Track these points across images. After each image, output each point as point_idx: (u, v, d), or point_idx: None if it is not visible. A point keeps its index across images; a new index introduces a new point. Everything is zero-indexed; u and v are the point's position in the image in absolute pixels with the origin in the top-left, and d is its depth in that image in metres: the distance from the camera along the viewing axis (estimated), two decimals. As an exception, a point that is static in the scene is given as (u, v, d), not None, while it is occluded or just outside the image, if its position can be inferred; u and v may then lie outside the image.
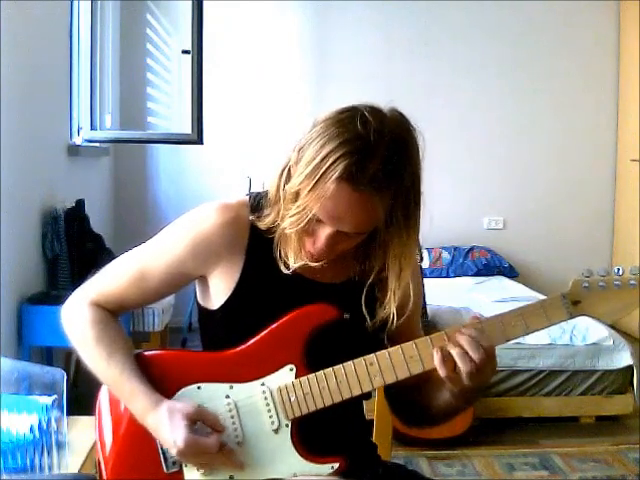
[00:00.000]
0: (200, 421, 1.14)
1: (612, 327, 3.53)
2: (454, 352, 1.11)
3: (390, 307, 1.21)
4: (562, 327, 3.31)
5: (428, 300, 3.16)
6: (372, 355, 1.16)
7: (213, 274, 1.24)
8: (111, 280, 1.27)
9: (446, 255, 4.78)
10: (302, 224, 1.12)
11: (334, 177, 1.07)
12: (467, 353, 1.10)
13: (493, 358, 1.13)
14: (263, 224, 1.21)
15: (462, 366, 1.10)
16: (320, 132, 1.11)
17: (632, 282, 1.13)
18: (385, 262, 1.21)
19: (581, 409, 3.29)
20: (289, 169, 1.16)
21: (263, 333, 1.19)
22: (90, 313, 1.24)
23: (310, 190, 1.09)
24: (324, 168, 1.07)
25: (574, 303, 1.14)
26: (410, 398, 1.32)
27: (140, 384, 1.18)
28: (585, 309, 1.15)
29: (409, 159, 1.14)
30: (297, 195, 1.12)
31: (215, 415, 1.16)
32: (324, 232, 1.13)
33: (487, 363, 1.11)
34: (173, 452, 1.13)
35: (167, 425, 1.13)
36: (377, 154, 1.08)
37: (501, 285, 4.44)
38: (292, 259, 1.19)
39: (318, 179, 1.08)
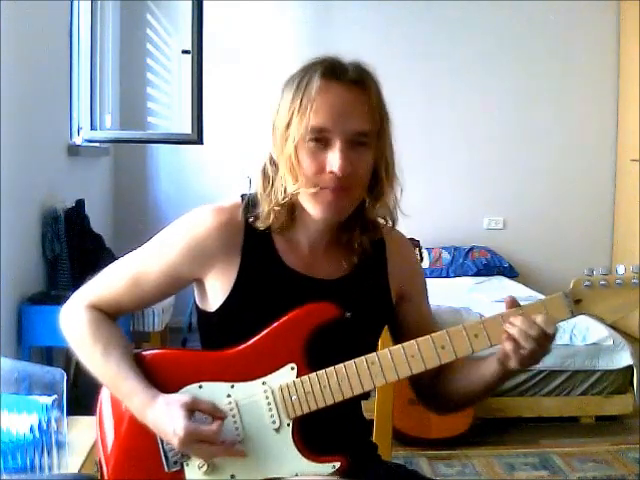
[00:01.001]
0: (197, 410, 1.14)
1: (612, 327, 3.53)
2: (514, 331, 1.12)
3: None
4: (562, 327, 3.26)
5: (428, 300, 3.16)
6: (374, 354, 1.16)
7: (209, 276, 1.24)
8: (107, 284, 1.27)
9: (446, 255, 4.78)
10: (302, 140, 1.15)
11: (316, 77, 1.16)
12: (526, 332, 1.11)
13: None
14: (261, 222, 1.22)
15: (524, 343, 1.11)
16: (285, 83, 1.21)
17: (634, 281, 1.12)
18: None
19: (581, 409, 3.29)
20: (270, 155, 1.23)
21: (264, 332, 1.19)
22: (87, 315, 1.25)
23: (299, 105, 1.15)
24: (305, 82, 1.16)
25: (576, 302, 1.14)
26: (436, 385, 1.32)
27: (138, 381, 1.18)
28: (586, 308, 1.14)
29: (373, 75, 1.22)
30: (287, 129, 1.16)
31: (212, 402, 1.16)
32: (334, 150, 1.15)
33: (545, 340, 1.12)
34: (175, 442, 1.12)
35: (165, 416, 1.13)
36: (345, 62, 1.20)
37: (501, 285, 4.44)
38: (316, 208, 1.19)
39: (303, 92, 1.15)
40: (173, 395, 1.16)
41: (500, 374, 1.20)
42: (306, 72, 1.18)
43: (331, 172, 1.15)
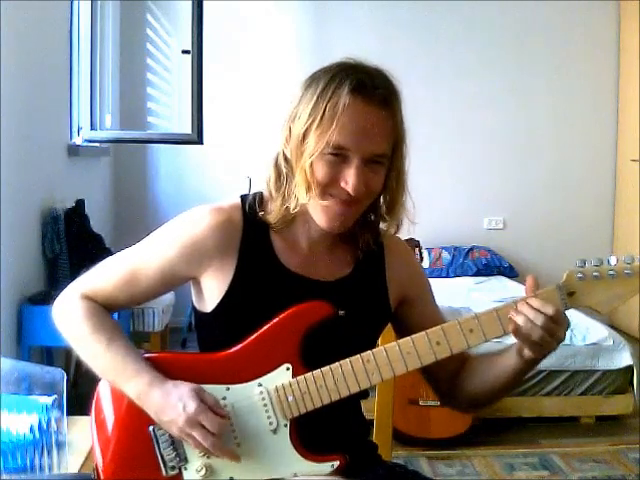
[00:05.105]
0: (202, 399, 1.14)
1: (612, 327, 3.53)
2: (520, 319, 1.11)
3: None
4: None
5: (428, 300, 3.16)
6: (369, 352, 1.15)
7: (205, 276, 1.24)
8: (103, 278, 1.27)
9: (446, 255, 4.78)
10: (320, 153, 1.14)
11: (344, 92, 1.13)
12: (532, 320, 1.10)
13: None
14: (272, 216, 1.22)
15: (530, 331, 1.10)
16: (309, 83, 1.18)
17: (627, 271, 1.12)
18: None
19: (581, 409, 3.29)
20: (283, 152, 1.21)
21: (258, 333, 1.18)
22: (83, 306, 1.24)
23: (321, 117, 1.13)
24: (330, 92, 1.14)
25: (569, 294, 1.13)
26: (457, 387, 1.32)
27: (146, 363, 1.18)
28: (580, 300, 1.14)
29: (398, 92, 1.20)
30: (304, 138, 1.15)
31: (216, 398, 1.16)
32: (351, 167, 1.15)
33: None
34: (180, 420, 1.11)
35: (174, 394, 1.13)
36: (371, 73, 1.17)
37: (501, 285, 4.44)
38: (322, 217, 1.19)
39: (327, 103, 1.13)
40: (180, 381, 1.16)
41: (520, 365, 1.19)
42: (332, 79, 1.15)
43: (344, 188, 1.16)
